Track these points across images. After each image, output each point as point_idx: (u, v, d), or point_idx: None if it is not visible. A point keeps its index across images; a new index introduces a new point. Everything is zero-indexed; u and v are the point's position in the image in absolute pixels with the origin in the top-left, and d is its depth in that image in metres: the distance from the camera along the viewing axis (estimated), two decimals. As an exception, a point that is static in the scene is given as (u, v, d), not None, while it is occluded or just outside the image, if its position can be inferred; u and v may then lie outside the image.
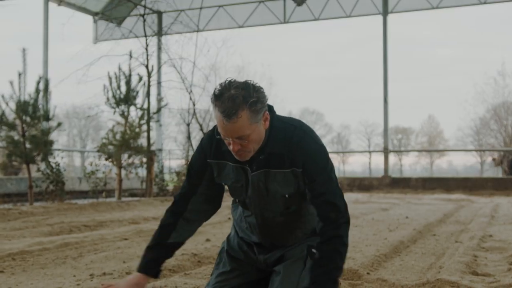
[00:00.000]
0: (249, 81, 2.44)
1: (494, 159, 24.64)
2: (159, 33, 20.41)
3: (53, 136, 9.53)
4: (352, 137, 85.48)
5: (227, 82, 2.42)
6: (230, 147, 2.46)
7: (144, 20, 12.03)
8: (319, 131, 78.74)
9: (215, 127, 2.64)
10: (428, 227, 6.50)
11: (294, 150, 2.54)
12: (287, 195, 2.59)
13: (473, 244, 4.97)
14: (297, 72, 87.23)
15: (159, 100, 12.80)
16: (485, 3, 16.96)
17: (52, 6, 18.34)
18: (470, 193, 15.85)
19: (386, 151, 17.94)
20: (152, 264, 2.66)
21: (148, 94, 11.58)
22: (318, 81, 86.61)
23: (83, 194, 15.29)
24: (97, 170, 10.97)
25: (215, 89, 2.43)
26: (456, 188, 16.56)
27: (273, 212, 2.63)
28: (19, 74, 9.05)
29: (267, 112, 2.53)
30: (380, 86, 18.45)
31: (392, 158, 75.88)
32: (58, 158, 9.86)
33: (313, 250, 2.53)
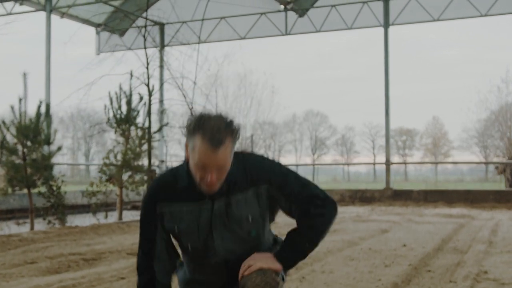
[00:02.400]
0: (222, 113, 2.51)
1: (497, 167, 24.62)
2: (161, 45, 20.56)
3: (55, 159, 9.57)
4: (356, 138, 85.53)
5: (201, 114, 2.45)
6: (207, 179, 2.44)
7: (145, 39, 12.03)
8: (323, 133, 78.85)
9: (159, 177, 2.71)
10: (425, 260, 6.52)
11: (252, 171, 2.60)
12: (250, 218, 2.60)
13: (466, 286, 5.00)
14: (301, 74, 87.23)
15: (161, 117, 12.87)
16: (485, 15, 16.97)
17: (55, 18, 18.43)
18: (471, 206, 15.87)
19: (388, 164, 17.94)
20: None
21: (149, 113, 11.63)
22: (322, 83, 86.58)
23: (85, 208, 15.38)
24: (98, 192, 11.02)
25: (190, 121, 2.45)
26: (457, 201, 16.57)
27: (234, 241, 2.62)
28: (20, 100, 9.13)
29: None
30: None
31: (396, 159, 75.92)
32: (59, 181, 9.91)
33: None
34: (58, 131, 10.61)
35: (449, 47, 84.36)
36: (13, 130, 9.15)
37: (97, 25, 21.33)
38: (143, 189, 11.94)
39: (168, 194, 2.60)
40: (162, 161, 19.99)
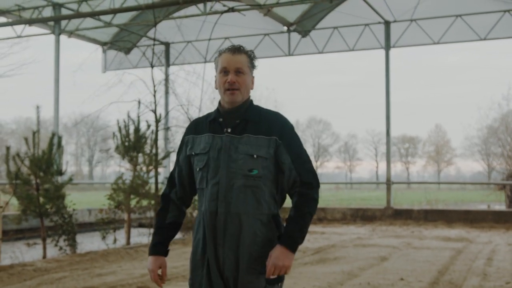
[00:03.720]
0: None
1: (497, 184, 24.94)
2: (166, 64, 20.96)
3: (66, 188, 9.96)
4: (359, 146, 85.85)
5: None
6: (228, 80, 2.97)
7: (152, 67, 12.41)
8: (326, 140, 79.40)
9: (194, 120, 3.25)
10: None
11: (271, 122, 3.03)
12: (255, 155, 2.95)
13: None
14: (304, 80, 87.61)
15: (166, 143, 13.24)
16: (485, 39, 17.35)
17: (62, 37, 18.79)
18: (470, 226, 16.22)
19: (389, 183, 18.28)
20: (159, 246, 3.13)
21: (155, 141, 12.00)
22: (325, 89, 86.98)
23: (92, 226, 15.76)
24: (107, 218, 11.39)
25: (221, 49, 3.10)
26: (457, 220, 16.91)
27: (235, 173, 2.95)
28: (34, 133, 9.52)
29: (254, 78, 3.11)
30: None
31: (399, 165, 75.96)
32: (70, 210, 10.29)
33: (271, 277, 2.93)
34: (62, 136, 10.97)
35: (451, 52, 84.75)
36: (27, 162, 9.53)
37: (103, 44, 21.71)
38: (150, 213, 12.31)
39: (197, 129, 3.11)
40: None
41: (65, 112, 78.87)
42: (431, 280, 7.95)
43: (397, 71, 77.26)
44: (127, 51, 22.13)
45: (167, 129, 14.41)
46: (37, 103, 9.87)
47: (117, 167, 13.03)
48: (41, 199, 9.70)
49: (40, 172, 9.61)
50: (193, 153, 3.08)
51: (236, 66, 2.98)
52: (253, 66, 3.07)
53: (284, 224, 3.05)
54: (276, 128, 3.02)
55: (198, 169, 3.04)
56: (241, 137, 2.98)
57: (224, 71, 2.99)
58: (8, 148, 9.46)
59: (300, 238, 2.98)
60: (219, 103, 3.11)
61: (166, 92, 12.81)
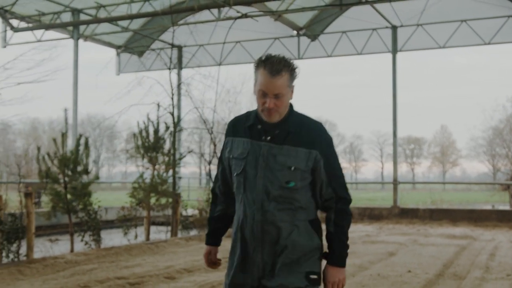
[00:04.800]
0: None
1: (501, 184, 25.48)
2: (179, 67, 21.56)
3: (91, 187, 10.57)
4: (364, 147, 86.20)
5: (269, 54, 2.97)
6: (266, 105, 2.92)
7: (170, 72, 13.01)
8: (331, 142, 79.70)
9: (236, 116, 3.24)
10: (427, 286, 7.45)
11: (312, 134, 3.01)
12: (292, 168, 2.94)
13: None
14: (310, 81, 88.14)
15: (178, 143, 13.79)
16: (489, 43, 17.89)
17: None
18: (475, 225, 16.75)
19: (395, 183, 18.84)
20: (208, 237, 3.32)
21: (173, 142, 12.59)
22: (330, 90, 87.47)
23: (109, 224, 16.40)
24: (129, 215, 12.00)
25: (260, 57, 2.97)
26: (461, 219, 17.44)
27: (272, 183, 2.95)
28: (62, 134, 10.13)
29: (294, 87, 3.01)
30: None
31: (404, 166, 76.34)
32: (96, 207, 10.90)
33: (311, 276, 2.99)
34: (69, 137, 11.56)
35: (458, 54, 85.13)
36: (56, 161, 10.14)
37: (117, 47, 22.33)
38: (168, 211, 12.91)
39: (237, 130, 3.11)
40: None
41: (71, 112, 79.50)
42: (436, 272, 8.52)
43: (403, 72, 77.78)
44: (140, 54, 22.74)
45: (180, 130, 14.96)
46: (65, 106, 10.46)
47: (123, 168, 13.60)
48: (69, 197, 10.30)
49: (68, 171, 10.21)
50: (231, 156, 3.10)
51: (274, 93, 2.91)
52: (293, 80, 2.99)
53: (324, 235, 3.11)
54: (317, 142, 3.01)
55: (235, 174, 3.06)
56: (281, 147, 2.98)
57: (262, 93, 2.94)
58: (38, 149, 10.08)
59: (346, 253, 3.08)
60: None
61: (179, 94, 13.35)
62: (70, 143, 10.65)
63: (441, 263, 9.35)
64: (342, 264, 3.07)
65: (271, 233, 2.98)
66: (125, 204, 12.41)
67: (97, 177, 10.92)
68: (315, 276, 3.01)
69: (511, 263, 9.50)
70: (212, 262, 3.32)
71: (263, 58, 2.94)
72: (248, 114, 3.14)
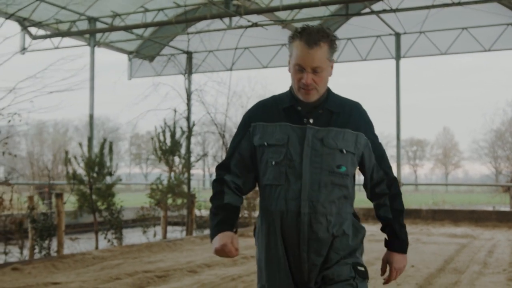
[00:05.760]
0: None
1: (502, 186, 26.14)
2: (189, 72, 22.27)
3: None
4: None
5: (305, 25, 2.69)
6: (303, 81, 2.62)
7: (186, 78, 13.72)
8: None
9: (260, 100, 2.89)
10: (429, 279, 8.14)
11: (356, 115, 2.79)
12: (344, 151, 2.69)
13: (459, 301, 6.63)
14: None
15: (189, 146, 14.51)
16: (489, 50, 18.58)
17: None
18: (475, 225, 17.41)
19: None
20: (222, 224, 2.73)
21: (188, 145, 13.31)
22: (335, 91, 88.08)
23: (127, 223, 17.14)
24: (148, 214, 12.71)
25: (295, 29, 2.70)
26: (463, 220, 18.11)
27: (321, 169, 2.67)
28: (88, 138, 10.86)
29: (333, 62, 2.73)
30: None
31: (406, 168, 76.95)
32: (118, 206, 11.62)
33: (359, 268, 2.74)
34: (73, 139, 12.29)
35: (460, 56, 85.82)
36: (82, 164, 10.86)
37: (129, 53, 23.03)
38: (183, 211, 13.62)
39: (267, 114, 2.76)
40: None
41: (76, 115, 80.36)
42: (438, 267, 9.21)
43: (405, 73, 78.48)
44: (151, 59, 23.47)
45: (190, 134, 15.62)
46: (90, 112, 11.16)
47: (127, 169, 14.29)
48: (94, 197, 11.02)
49: (93, 173, 10.93)
50: (265, 143, 2.71)
51: (313, 66, 2.61)
52: (333, 54, 2.70)
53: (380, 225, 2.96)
54: (362, 123, 2.79)
55: (273, 163, 2.68)
56: (327, 129, 2.69)
57: (298, 68, 2.64)
58: (66, 152, 10.80)
59: (407, 238, 2.95)
60: (292, 87, 2.77)
61: (188, 100, 14.04)
62: (84, 147, 11.27)
63: (442, 259, 10.04)
64: (405, 251, 2.93)
65: (320, 228, 2.67)
66: (144, 204, 13.11)
67: (120, 179, 11.64)
68: (362, 268, 2.77)
69: (507, 259, 10.19)
70: (236, 248, 2.72)
71: (299, 29, 2.66)
72: (276, 97, 2.84)
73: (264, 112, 2.79)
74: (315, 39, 2.61)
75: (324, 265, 2.73)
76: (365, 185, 2.95)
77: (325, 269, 2.73)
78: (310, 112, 2.71)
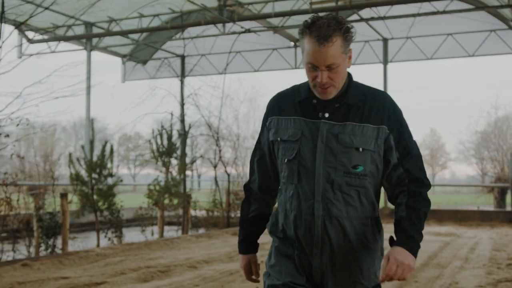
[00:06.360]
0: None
1: (486, 187, 26.90)
2: (182, 75, 22.79)
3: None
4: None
5: (315, 16, 2.41)
6: (317, 80, 2.39)
7: (182, 83, 14.25)
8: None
9: (279, 92, 2.69)
10: (413, 273, 8.73)
11: (379, 106, 2.50)
12: (360, 149, 2.45)
13: (440, 292, 7.23)
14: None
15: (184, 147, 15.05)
16: (473, 55, 19.27)
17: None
18: (459, 224, 18.06)
19: (386, 185, 20.13)
20: (244, 244, 2.81)
21: (184, 147, 13.85)
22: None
23: (128, 222, 17.64)
24: (146, 214, 13.24)
25: (305, 21, 2.40)
26: (447, 219, 18.77)
27: (335, 169, 2.46)
28: (90, 141, 11.37)
29: (351, 51, 2.47)
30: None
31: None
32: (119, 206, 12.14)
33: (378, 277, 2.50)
34: (61, 140, 12.83)
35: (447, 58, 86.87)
36: (84, 166, 11.38)
37: (123, 56, 23.52)
38: (179, 210, 14.15)
39: (282, 108, 2.58)
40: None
41: (64, 116, 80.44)
42: (422, 262, 9.81)
43: (393, 75, 79.48)
44: (144, 62, 23.98)
45: (186, 137, 16.13)
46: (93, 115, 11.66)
47: (114, 169, 14.76)
48: (95, 197, 11.53)
49: (94, 174, 11.44)
50: (278, 138, 2.56)
51: (326, 64, 2.36)
52: (349, 44, 2.43)
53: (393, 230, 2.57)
54: (385, 115, 2.49)
55: (286, 160, 2.53)
56: (344, 125, 2.46)
57: (311, 66, 2.40)
58: (70, 155, 11.31)
59: (420, 239, 2.50)
60: None
61: (182, 103, 14.56)
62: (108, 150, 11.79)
63: (427, 255, 10.64)
64: (414, 250, 2.46)
65: (334, 232, 2.49)
66: (133, 205, 13.63)
67: (120, 180, 12.16)
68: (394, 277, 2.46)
69: (488, 256, 10.81)
70: (254, 272, 2.83)
71: (309, 21, 2.39)
72: (295, 88, 2.63)
73: (281, 105, 2.61)
74: (326, 34, 2.33)
75: (338, 276, 2.54)
76: (384, 186, 2.61)
77: (339, 284, 2.54)
78: (326, 106, 2.48)
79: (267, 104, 2.71)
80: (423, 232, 2.54)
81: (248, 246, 2.83)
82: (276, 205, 2.77)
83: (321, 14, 2.47)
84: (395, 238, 2.53)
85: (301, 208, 2.51)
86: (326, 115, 2.48)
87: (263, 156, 2.70)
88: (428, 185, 2.55)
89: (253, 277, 2.84)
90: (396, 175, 2.54)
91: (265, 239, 3.22)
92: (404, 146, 2.53)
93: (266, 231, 2.83)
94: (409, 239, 2.47)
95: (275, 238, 2.68)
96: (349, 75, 2.55)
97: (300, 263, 2.57)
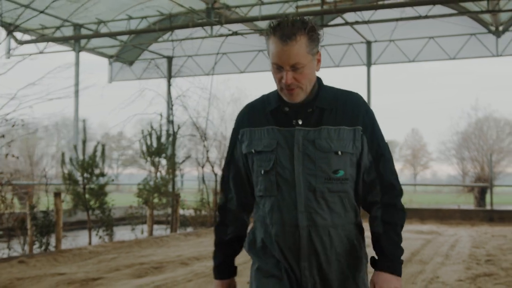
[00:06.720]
0: None
1: (466, 187, 27.49)
2: (169, 76, 23.04)
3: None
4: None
5: (283, 17, 2.37)
6: (283, 81, 2.33)
7: (170, 85, 14.54)
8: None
9: (248, 103, 2.62)
10: None
11: (353, 107, 2.45)
12: (339, 152, 2.38)
13: (422, 286, 7.61)
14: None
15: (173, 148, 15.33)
16: (454, 58, 19.78)
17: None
18: (441, 223, 18.55)
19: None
20: (222, 268, 2.66)
21: (173, 147, 14.14)
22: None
23: (116, 221, 17.86)
24: (136, 213, 13.51)
25: (270, 23, 2.37)
26: (429, 218, 19.25)
27: (315, 176, 2.38)
28: (83, 142, 11.62)
29: (320, 54, 2.43)
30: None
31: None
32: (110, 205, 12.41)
33: None
34: (43, 139, 13.10)
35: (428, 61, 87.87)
36: (76, 165, 11.63)
37: (109, 56, 23.73)
38: (167, 210, 14.44)
39: (254, 118, 2.51)
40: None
41: (32, 112, 79.91)
42: (405, 259, 10.16)
43: (376, 76, 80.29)
44: (131, 63, 24.21)
45: (175, 137, 16.41)
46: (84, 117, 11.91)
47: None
48: (87, 196, 11.79)
49: (86, 174, 11.70)
50: (252, 150, 2.47)
51: (290, 63, 2.31)
52: (316, 43, 2.37)
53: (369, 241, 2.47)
54: (360, 115, 2.45)
55: (262, 172, 2.44)
56: (319, 130, 2.39)
57: (276, 67, 2.35)
58: (62, 154, 11.55)
59: (401, 253, 2.46)
60: None
61: (169, 104, 14.82)
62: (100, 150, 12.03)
63: (409, 252, 11.05)
64: (398, 272, 2.42)
65: (320, 242, 2.41)
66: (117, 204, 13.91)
67: (112, 179, 12.42)
68: None
69: (467, 252, 11.25)
70: None
71: (274, 23, 2.35)
72: (264, 97, 2.57)
73: (251, 116, 2.53)
74: (290, 33, 2.29)
75: (327, 284, 2.46)
76: (358, 190, 2.51)
77: None
78: (298, 112, 2.42)
79: (236, 118, 2.63)
80: (401, 242, 2.49)
81: (227, 269, 2.67)
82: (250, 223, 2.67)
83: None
84: (375, 256, 2.49)
85: (284, 221, 2.41)
86: (300, 121, 2.41)
87: (238, 171, 2.59)
88: (400, 192, 2.50)
89: None
90: (369, 180, 2.47)
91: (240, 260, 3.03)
92: (377, 149, 2.47)
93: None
94: (392, 261, 2.43)
95: (254, 258, 2.57)
96: (319, 79, 2.50)
97: (288, 279, 2.47)
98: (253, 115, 2.52)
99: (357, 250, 2.46)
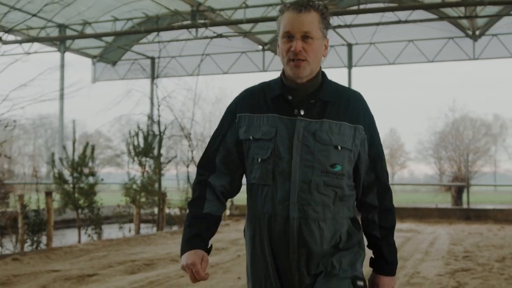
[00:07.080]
0: None
1: (444, 186, 28.11)
2: (152, 76, 23.28)
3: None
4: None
5: None
6: (292, 49, 2.33)
7: (157, 86, 14.81)
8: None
9: (248, 88, 2.58)
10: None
11: (355, 105, 2.46)
12: (339, 147, 2.38)
13: (404, 281, 8.01)
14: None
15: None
16: (432, 61, 20.32)
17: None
18: (419, 221, 19.05)
19: (350, 184, 21.04)
20: (196, 238, 2.45)
21: (159, 147, 14.41)
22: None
23: (105, 220, 18.05)
24: (124, 212, 13.75)
25: (284, 3, 2.46)
26: (408, 216, 19.74)
27: (312, 168, 2.36)
28: (73, 142, 11.85)
29: (328, 41, 2.47)
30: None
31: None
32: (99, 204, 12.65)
33: (358, 283, 2.43)
34: (21, 139, 13.35)
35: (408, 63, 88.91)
36: (66, 165, 11.85)
37: (93, 57, 23.87)
38: (154, 209, 14.71)
39: (252, 105, 2.48)
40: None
41: (24, 113, 79.45)
42: (386, 255, 10.62)
43: (357, 78, 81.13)
44: (114, 63, 24.37)
45: (161, 137, 16.67)
46: (73, 118, 12.14)
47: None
48: (76, 195, 12.02)
49: (76, 174, 11.93)
50: (250, 137, 2.44)
51: (303, 30, 2.32)
52: (326, 27, 2.42)
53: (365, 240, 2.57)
54: (361, 115, 2.46)
55: (259, 160, 2.41)
56: (320, 122, 2.38)
57: (287, 36, 2.35)
58: (53, 154, 11.77)
59: (396, 258, 2.62)
60: (283, 73, 2.47)
61: (158, 105, 15.08)
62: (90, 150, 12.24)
63: (390, 249, 11.48)
64: (394, 273, 2.61)
65: (311, 235, 2.39)
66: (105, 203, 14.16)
67: (102, 179, 12.65)
68: (361, 283, 2.45)
69: (446, 249, 11.70)
70: (203, 271, 2.41)
71: (288, 3, 2.42)
72: (265, 84, 2.55)
73: (251, 101, 2.48)
74: (306, 4, 2.35)
75: (318, 276, 2.43)
76: (356, 188, 2.54)
77: (320, 282, 2.42)
78: (301, 102, 2.40)
79: (233, 100, 2.57)
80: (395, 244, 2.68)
81: (201, 242, 2.45)
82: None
83: None
84: (373, 257, 2.61)
85: (276, 211, 2.40)
86: (302, 112, 2.39)
87: (228, 155, 2.52)
88: (391, 193, 2.58)
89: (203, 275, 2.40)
90: (367, 181, 2.51)
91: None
92: (376, 150, 2.50)
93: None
94: (390, 265, 2.57)
95: (248, 248, 2.56)
96: (323, 72, 2.49)
97: (276, 272, 2.46)
98: (253, 101, 2.48)
99: (349, 244, 2.46)
